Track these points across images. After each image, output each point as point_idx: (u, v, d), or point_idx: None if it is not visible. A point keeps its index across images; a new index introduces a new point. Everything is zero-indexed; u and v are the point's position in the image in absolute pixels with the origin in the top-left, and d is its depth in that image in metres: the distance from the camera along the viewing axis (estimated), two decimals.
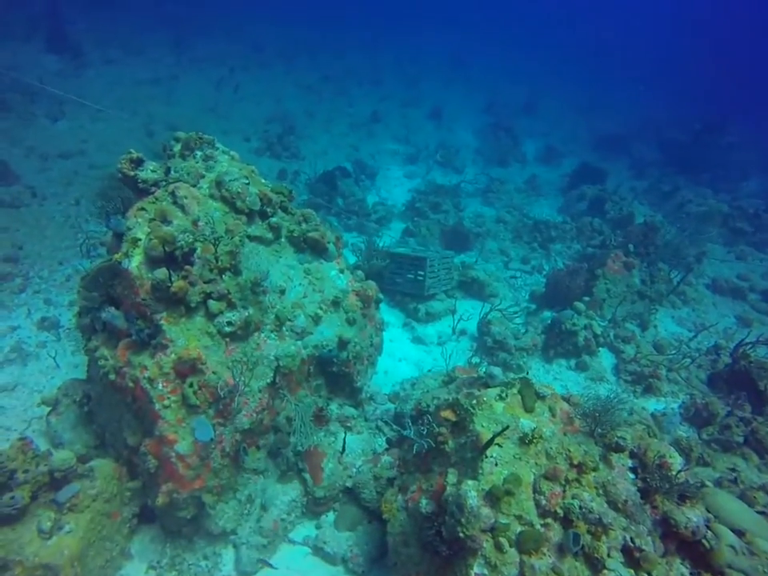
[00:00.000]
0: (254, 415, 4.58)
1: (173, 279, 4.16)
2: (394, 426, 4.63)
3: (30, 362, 6.44)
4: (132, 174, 4.74)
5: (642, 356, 7.55)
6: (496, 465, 3.49)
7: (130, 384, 4.20)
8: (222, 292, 4.40)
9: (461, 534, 3.24)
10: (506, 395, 3.92)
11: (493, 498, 3.32)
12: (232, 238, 4.66)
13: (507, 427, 3.50)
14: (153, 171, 4.87)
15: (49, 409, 5.43)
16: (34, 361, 6.47)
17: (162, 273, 4.11)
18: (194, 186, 4.95)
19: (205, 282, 4.37)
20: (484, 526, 3.24)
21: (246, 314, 4.52)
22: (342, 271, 5.81)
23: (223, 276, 4.52)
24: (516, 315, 8.41)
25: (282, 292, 5.08)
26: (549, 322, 8.06)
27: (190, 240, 4.35)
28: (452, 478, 3.64)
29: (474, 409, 3.84)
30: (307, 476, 4.78)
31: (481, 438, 3.61)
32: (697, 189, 15.93)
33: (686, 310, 9.66)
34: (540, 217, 12.74)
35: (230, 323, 4.41)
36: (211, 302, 4.36)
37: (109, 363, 4.37)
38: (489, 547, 3.24)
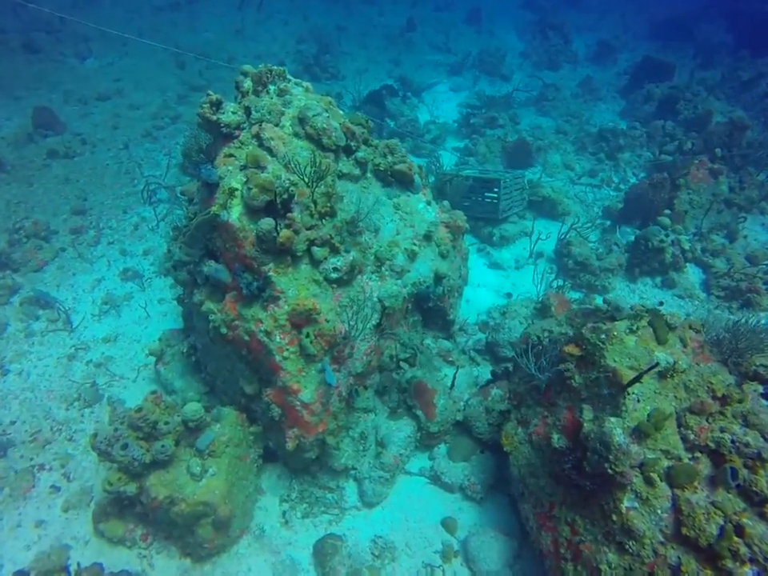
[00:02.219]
0: (365, 358, 4.60)
1: (278, 229, 4.02)
2: (516, 351, 4.54)
3: (123, 313, 6.62)
4: (214, 118, 4.46)
5: (736, 270, 7.16)
6: (638, 401, 3.39)
7: (245, 337, 4.21)
8: (324, 237, 4.25)
9: (609, 471, 3.22)
10: (637, 328, 3.74)
11: (640, 434, 3.27)
12: (324, 178, 4.43)
13: (657, 364, 3.36)
14: (234, 113, 4.56)
15: (154, 359, 5.63)
16: (126, 311, 6.65)
17: (267, 223, 3.96)
18: (277, 125, 4.66)
19: (307, 229, 4.22)
20: (633, 462, 3.20)
21: (351, 257, 4.39)
22: (428, 203, 5.56)
23: (323, 220, 4.35)
24: (589, 231, 8.02)
25: (377, 231, 4.90)
26: (633, 239, 7.67)
27: (287, 185, 4.14)
28: (588, 414, 3.58)
29: (603, 344, 3.71)
30: (419, 412, 4.85)
31: (618, 373, 3.50)
32: None
33: None
34: (604, 124, 11.82)
35: (336, 269, 4.30)
36: (315, 249, 4.23)
37: (218, 317, 4.37)
38: (639, 482, 3.23)
